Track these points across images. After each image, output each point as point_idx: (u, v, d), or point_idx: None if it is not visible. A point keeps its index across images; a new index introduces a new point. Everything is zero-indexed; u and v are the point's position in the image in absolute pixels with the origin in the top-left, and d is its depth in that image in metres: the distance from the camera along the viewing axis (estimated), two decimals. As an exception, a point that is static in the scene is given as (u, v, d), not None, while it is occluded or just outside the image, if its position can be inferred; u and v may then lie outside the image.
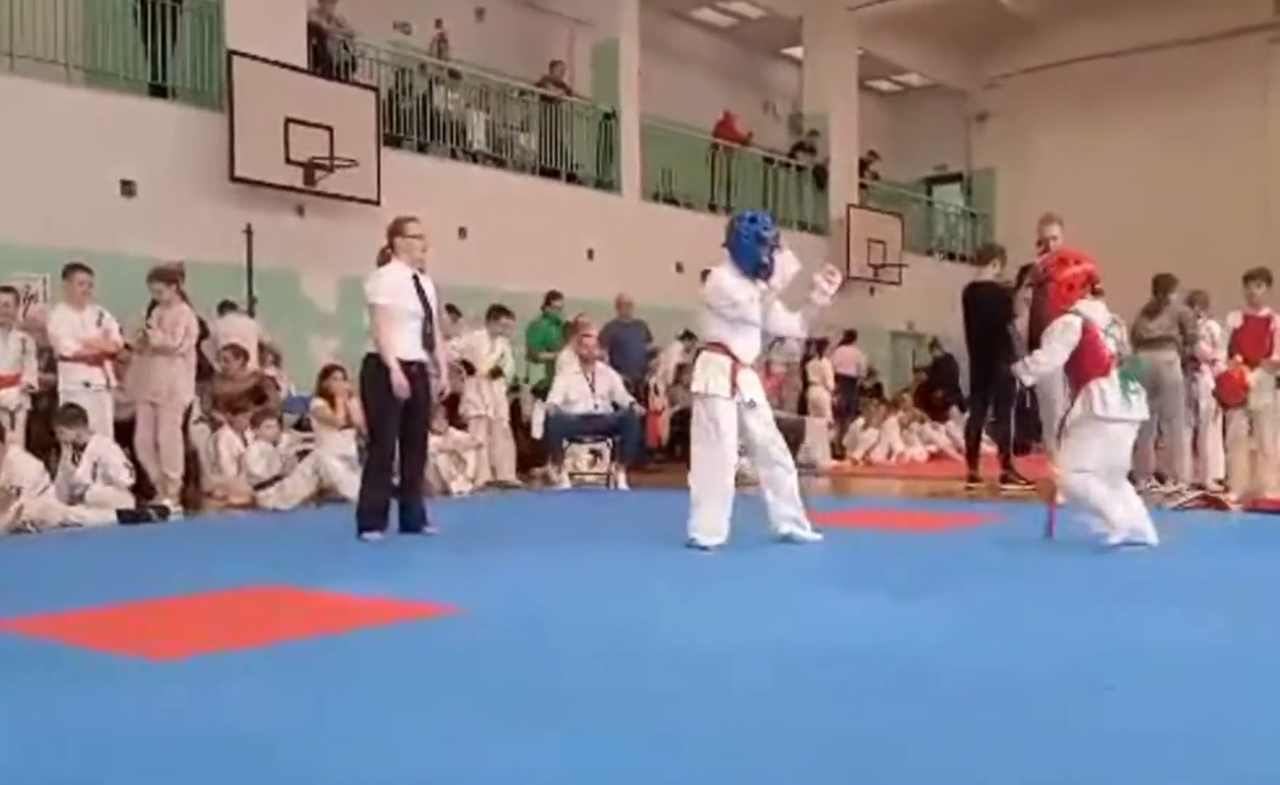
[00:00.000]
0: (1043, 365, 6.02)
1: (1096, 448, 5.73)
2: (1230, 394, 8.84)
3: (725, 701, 3.05)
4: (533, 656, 3.64)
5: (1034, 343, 7.26)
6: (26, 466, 7.56)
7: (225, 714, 3.00)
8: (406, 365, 6.65)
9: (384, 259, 7.11)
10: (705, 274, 6.39)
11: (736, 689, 3.19)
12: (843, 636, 3.88)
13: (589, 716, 2.89)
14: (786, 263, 6.14)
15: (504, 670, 3.43)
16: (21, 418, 8.40)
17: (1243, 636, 3.87)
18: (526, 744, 2.67)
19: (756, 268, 6.07)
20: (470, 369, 10.71)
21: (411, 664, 3.56)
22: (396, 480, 7.03)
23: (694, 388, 6.16)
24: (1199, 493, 8.68)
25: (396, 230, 6.89)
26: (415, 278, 6.82)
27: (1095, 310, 5.88)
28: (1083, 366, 5.78)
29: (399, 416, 6.73)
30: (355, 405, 9.62)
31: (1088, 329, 5.76)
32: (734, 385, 6.02)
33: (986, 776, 2.45)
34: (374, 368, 6.72)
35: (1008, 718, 2.86)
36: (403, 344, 6.68)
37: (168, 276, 8.92)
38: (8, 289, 8.60)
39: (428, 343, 6.85)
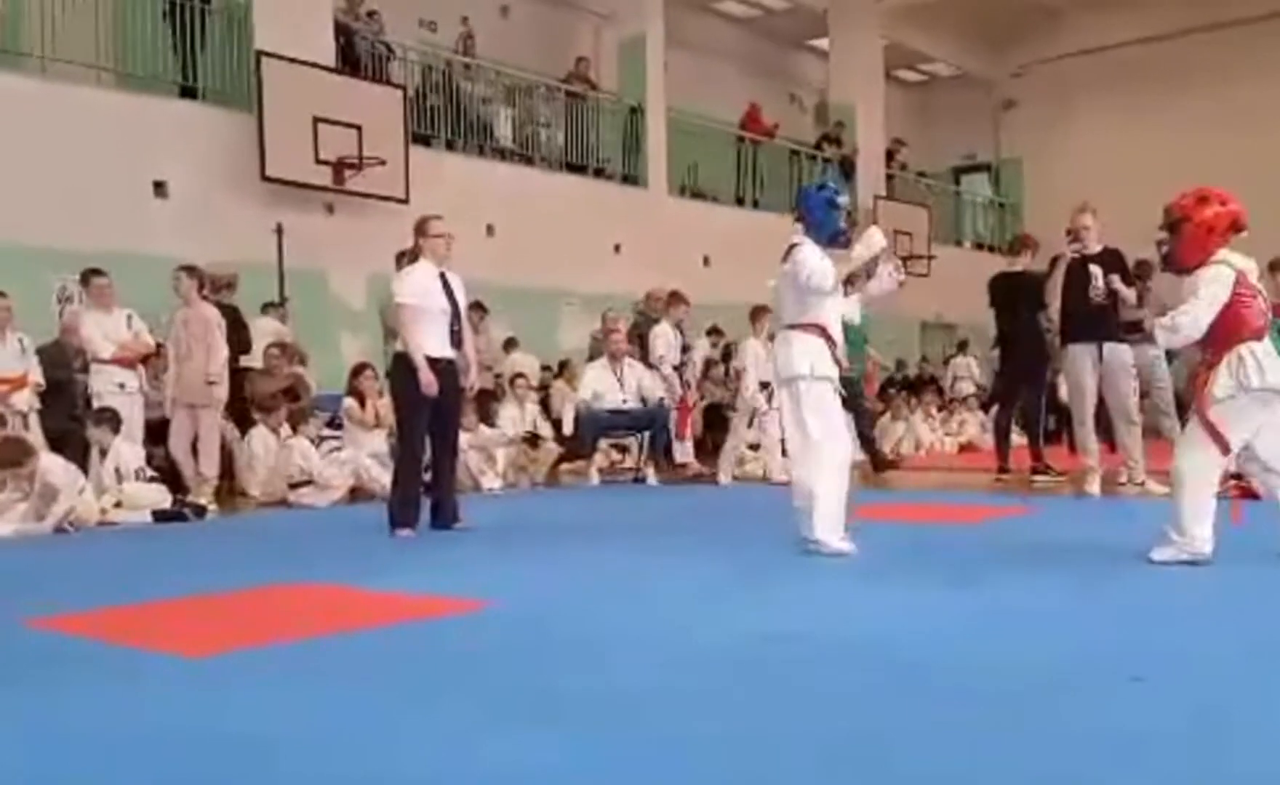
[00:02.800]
0: (1185, 326, 4.94)
1: (1249, 428, 4.92)
2: None
3: (725, 700, 3.04)
4: (539, 653, 3.65)
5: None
6: (59, 468, 7.64)
7: (231, 712, 3.03)
8: (435, 363, 6.70)
9: (410, 258, 7.18)
10: (789, 250, 5.68)
11: (736, 687, 3.18)
12: (857, 633, 3.87)
13: (589, 715, 2.90)
14: (884, 271, 5.74)
15: (510, 667, 3.45)
16: (34, 419, 8.45)
17: (1261, 631, 3.85)
18: (527, 742, 2.68)
19: (834, 235, 5.68)
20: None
21: (435, 660, 3.59)
22: (427, 477, 7.10)
23: (793, 370, 5.55)
24: (1236, 482, 8.60)
25: (420, 230, 6.97)
26: (442, 276, 6.87)
27: (1245, 262, 4.98)
28: (1231, 327, 4.85)
29: (429, 414, 6.78)
30: (386, 404, 9.69)
31: (1241, 283, 4.86)
32: (838, 365, 5.67)
33: (993, 776, 2.44)
34: (403, 367, 6.78)
35: (1007, 716, 2.85)
36: (430, 342, 6.74)
37: (191, 270, 8.90)
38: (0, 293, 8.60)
39: (456, 340, 6.90)
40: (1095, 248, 8.38)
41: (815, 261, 5.53)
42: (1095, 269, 8.24)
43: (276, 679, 3.41)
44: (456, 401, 7.10)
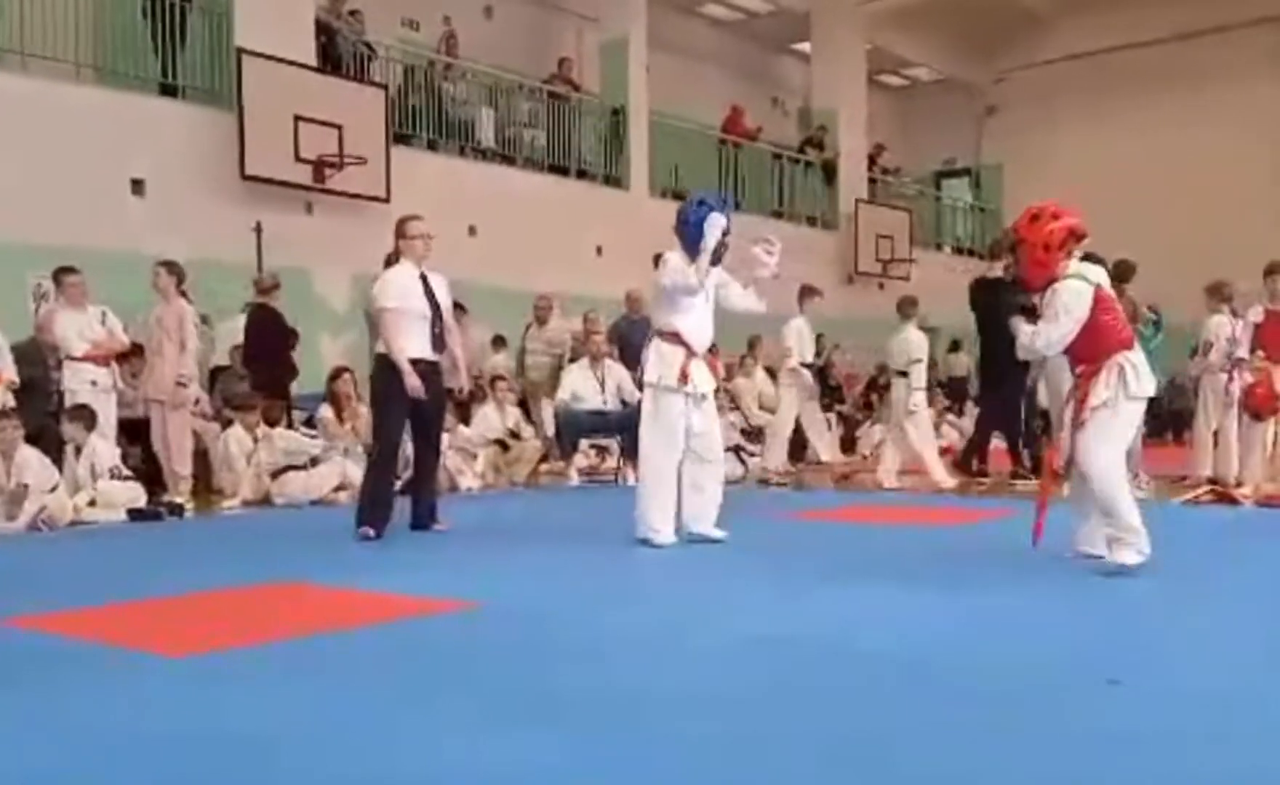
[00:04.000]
0: (1052, 341, 5.05)
1: (1128, 435, 5.10)
2: (1264, 406, 8.55)
3: (724, 700, 3.05)
4: (535, 653, 3.65)
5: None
6: (35, 462, 7.58)
7: (229, 711, 3.02)
8: (417, 365, 6.65)
9: (391, 260, 7.10)
10: (657, 259, 6.44)
11: (736, 687, 3.19)
12: (844, 634, 3.89)
13: (588, 715, 2.90)
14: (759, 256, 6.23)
15: (506, 667, 3.45)
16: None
17: (1247, 630, 3.87)
18: (526, 741, 2.68)
19: (711, 252, 6.11)
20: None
21: (417, 660, 3.58)
22: (408, 476, 7.08)
23: (647, 377, 6.18)
24: (1210, 486, 8.66)
25: (399, 232, 6.90)
26: (424, 277, 6.80)
27: (1098, 273, 5.12)
28: (1103, 340, 4.97)
29: (406, 416, 6.75)
30: (364, 412, 9.67)
31: (1099, 296, 4.98)
32: (684, 375, 6.09)
33: (992, 776, 2.45)
34: (385, 368, 6.71)
35: (1007, 716, 2.86)
36: (412, 345, 6.68)
37: (171, 266, 8.83)
38: None
39: (438, 343, 6.82)
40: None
41: (675, 266, 6.14)
42: None
43: (266, 678, 3.39)
44: (440, 404, 7.05)
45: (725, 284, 6.33)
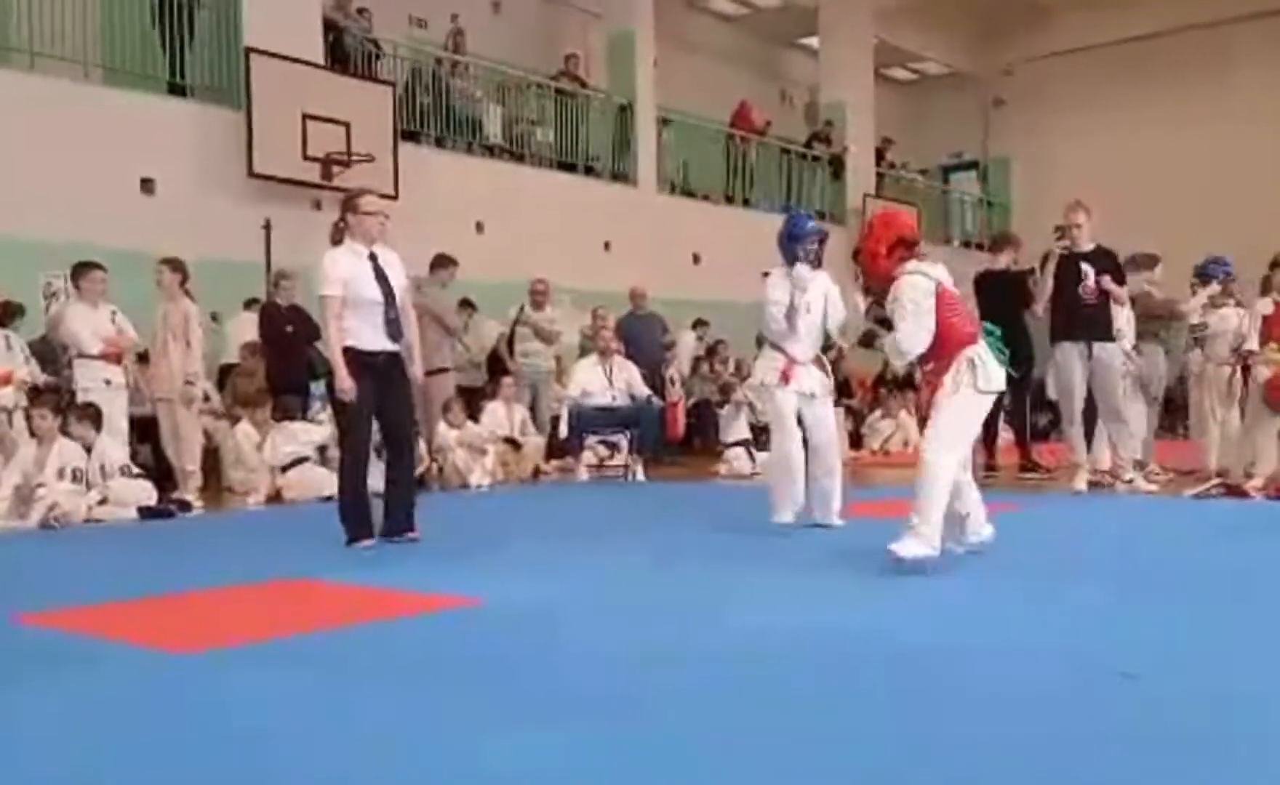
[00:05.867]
0: (913, 336, 5.04)
1: (974, 429, 5.26)
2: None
3: (730, 699, 3.04)
4: (540, 652, 3.64)
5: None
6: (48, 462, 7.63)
7: (233, 707, 3.03)
8: (374, 356, 6.03)
9: (336, 239, 6.22)
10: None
11: (740, 686, 3.17)
12: (855, 629, 3.88)
13: (592, 715, 2.89)
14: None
15: (511, 666, 3.44)
16: (19, 417, 8.37)
17: (1251, 627, 3.86)
18: (529, 740, 2.68)
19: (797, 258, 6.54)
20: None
21: (421, 658, 3.57)
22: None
23: (751, 381, 6.81)
24: (1219, 480, 8.63)
25: (349, 206, 6.15)
26: (373, 257, 6.11)
27: (939, 271, 5.19)
28: (949, 337, 5.04)
29: (371, 414, 6.12)
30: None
31: (941, 293, 5.05)
32: (785, 377, 6.50)
33: (992, 778, 2.44)
34: (338, 365, 6.01)
35: (1016, 716, 2.85)
36: (362, 335, 6.00)
37: (175, 263, 8.84)
38: None
39: (394, 330, 6.12)
40: (1087, 245, 8.38)
41: (771, 284, 6.60)
42: (1086, 267, 8.25)
43: (254, 675, 3.40)
44: (404, 397, 6.30)
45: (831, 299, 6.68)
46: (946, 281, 5.15)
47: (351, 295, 5.99)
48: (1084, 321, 8.26)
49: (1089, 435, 8.82)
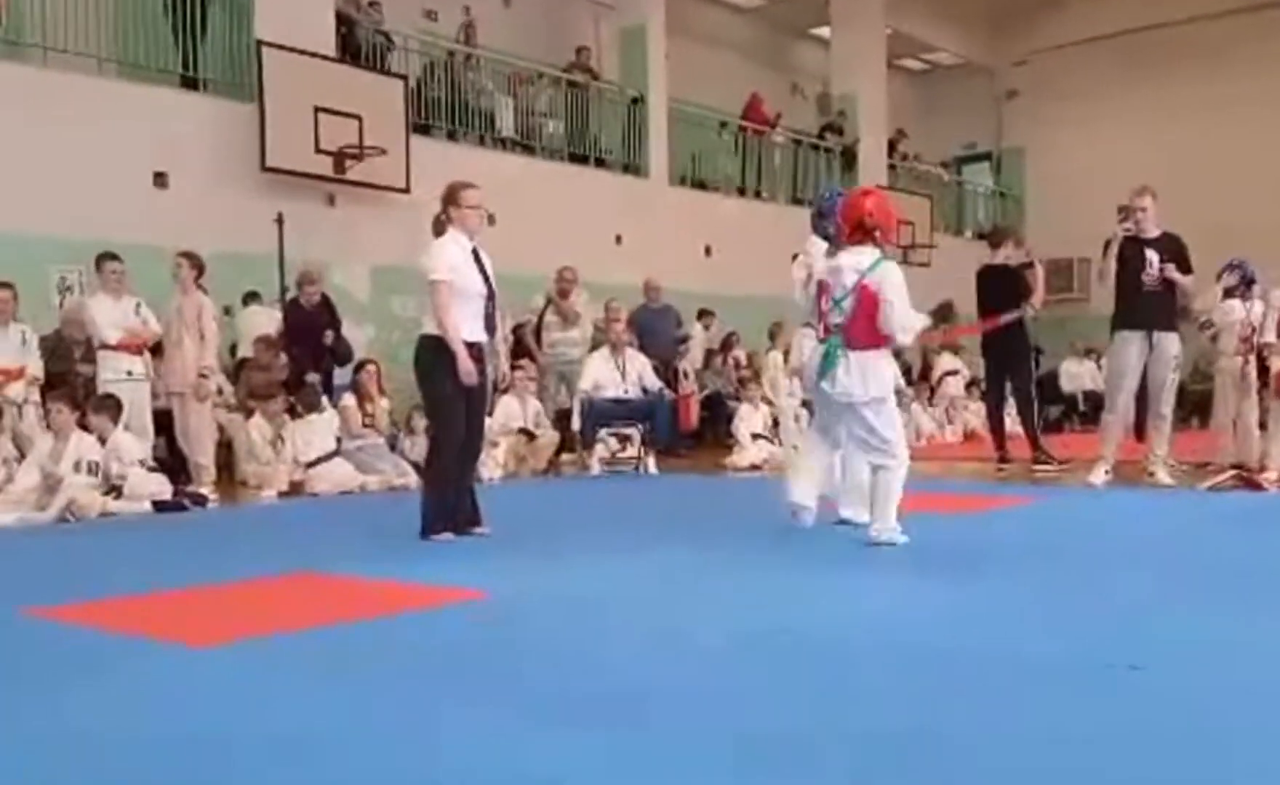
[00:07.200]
0: (910, 314, 5.53)
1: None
2: None
3: (744, 697, 3.03)
4: (555, 646, 3.64)
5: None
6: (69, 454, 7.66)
7: (249, 701, 3.04)
8: (470, 347, 6.01)
9: (439, 229, 6.26)
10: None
11: (750, 684, 3.17)
12: (865, 626, 3.88)
13: (605, 714, 2.88)
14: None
15: (518, 661, 3.44)
16: (30, 410, 8.40)
17: (1261, 620, 3.85)
18: (529, 741, 2.68)
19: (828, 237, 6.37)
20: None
21: (434, 652, 3.57)
22: None
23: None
24: (1234, 472, 8.58)
25: (451, 199, 6.17)
26: (475, 252, 6.18)
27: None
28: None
29: (464, 404, 6.09)
30: (384, 405, 9.73)
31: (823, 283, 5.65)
32: None
33: (994, 776, 2.43)
34: (433, 350, 6.02)
35: (1031, 707, 2.85)
36: (465, 325, 6.01)
37: (192, 257, 8.84)
38: (6, 284, 8.57)
39: (489, 324, 6.21)
40: (1153, 232, 8.15)
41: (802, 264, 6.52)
42: (1152, 254, 8.07)
43: (274, 668, 3.41)
44: (485, 389, 6.38)
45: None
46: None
47: (458, 285, 6.02)
48: (1146, 309, 8.04)
49: (1139, 426, 8.70)
